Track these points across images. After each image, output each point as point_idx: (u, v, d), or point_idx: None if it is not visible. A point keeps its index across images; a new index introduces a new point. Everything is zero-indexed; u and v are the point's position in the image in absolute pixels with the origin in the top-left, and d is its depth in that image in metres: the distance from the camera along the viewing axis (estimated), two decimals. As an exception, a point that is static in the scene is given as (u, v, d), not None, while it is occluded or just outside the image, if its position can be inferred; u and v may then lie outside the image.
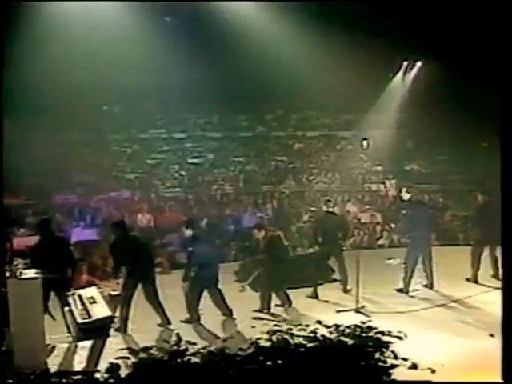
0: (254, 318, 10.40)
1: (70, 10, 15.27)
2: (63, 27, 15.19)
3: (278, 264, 10.92)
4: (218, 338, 9.35)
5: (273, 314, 10.81)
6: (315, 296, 11.87)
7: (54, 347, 8.59)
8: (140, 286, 10.14)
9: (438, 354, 7.75)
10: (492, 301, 10.89)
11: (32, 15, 14.56)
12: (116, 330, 9.36)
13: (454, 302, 11.19)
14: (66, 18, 15.17)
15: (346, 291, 12.08)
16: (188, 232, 10.70)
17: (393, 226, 17.66)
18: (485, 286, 12.30)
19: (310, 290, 11.99)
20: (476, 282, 12.72)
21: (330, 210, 12.62)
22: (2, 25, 7.50)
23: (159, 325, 10.05)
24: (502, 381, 4.79)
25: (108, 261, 13.30)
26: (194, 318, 10.31)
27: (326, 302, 11.59)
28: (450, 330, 9.53)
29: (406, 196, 12.45)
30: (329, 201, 13.03)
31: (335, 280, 12.80)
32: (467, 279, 12.82)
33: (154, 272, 10.75)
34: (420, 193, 18.53)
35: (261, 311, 10.89)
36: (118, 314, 9.52)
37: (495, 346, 8.45)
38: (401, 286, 12.10)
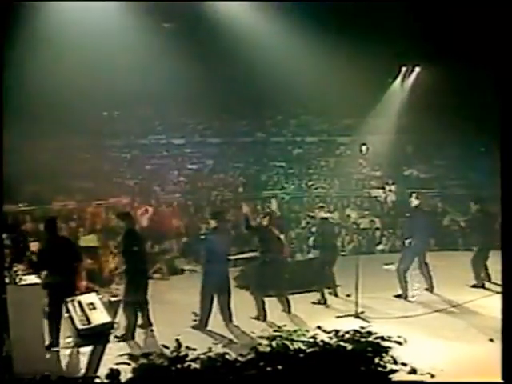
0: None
1: (70, 15, 15.31)
2: (63, 32, 15.23)
3: (271, 262, 10.80)
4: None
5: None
6: (324, 302, 11.86)
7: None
8: None
9: (437, 359, 7.77)
10: (491, 305, 10.93)
11: (32, 19, 14.60)
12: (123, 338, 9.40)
13: (453, 306, 11.18)
14: (65, 22, 15.22)
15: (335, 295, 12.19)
16: (213, 223, 10.57)
17: (391, 231, 17.66)
18: (484, 290, 12.34)
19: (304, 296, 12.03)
20: (483, 286, 12.77)
21: (325, 216, 12.52)
22: (1, 26, 7.51)
23: (140, 326, 9.99)
24: (502, 381, 4.80)
25: (107, 266, 13.33)
26: (202, 324, 10.27)
27: (326, 307, 11.59)
28: (449, 335, 9.53)
29: (414, 202, 12.40)
30: (322, 207, 12.94)
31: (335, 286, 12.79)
32: (473, 285, 12.87)
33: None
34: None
35: (257, 318, 10.73)
36: (120, 321, 9.43)
37: (495, 350, 8.50)
38: (399, 292, 12.11)
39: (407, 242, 12.29)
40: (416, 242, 12.08)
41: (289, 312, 10.97)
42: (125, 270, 10.05)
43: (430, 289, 12.33)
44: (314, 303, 11.77)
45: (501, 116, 5.18)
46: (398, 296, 12.06)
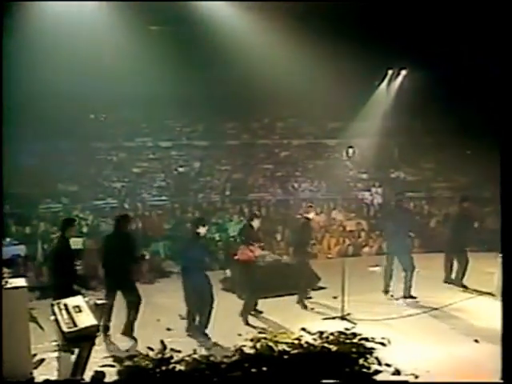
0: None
1: (56, 18, 15.29)
2: (49, 35, 15.20)
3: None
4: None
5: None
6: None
7: (42, 360, 8.62)
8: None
9: (422, 361, 7.82)
10: (474, 307, 11.05)
11: (18, 21, 14.55)
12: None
13: (437, 309, 11.23)
14: (51, 25, 15.19)
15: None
16: (202, 230, 10.47)
17: (377, 233, 17.67)
18: (468, 292, 12.43)
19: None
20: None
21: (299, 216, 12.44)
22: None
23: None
24: (502, 381, 4.84)
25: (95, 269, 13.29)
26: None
27: (312, 309, 11.62)
28: (434, 336, 9.59)
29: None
30: (311, 206, 12.82)
31: (320, 288, 12.84)
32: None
33: None
34: (405, 200, 18.66)
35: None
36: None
37: (480, 351, 8.59)
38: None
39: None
40: (393, 242, 12.14)
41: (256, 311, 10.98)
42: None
43: (405, 294, 12.29)
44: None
45: (500, 116, 5.20)
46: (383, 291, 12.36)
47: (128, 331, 9.96)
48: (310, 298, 12.05)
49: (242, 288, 11.40)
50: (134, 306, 10.01)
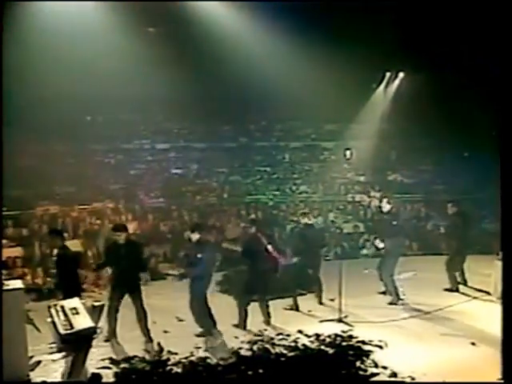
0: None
1: (53, 18, 15.26)
2: (46, 35, 15.18)
3: (256, 270, 10.60)
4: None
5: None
6: (296, 308, 11.80)
7: (39, 362, 8.59)
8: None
9: (419, 363, 7.81)
10: (471, 310, 11.04)
11: (14, 21, 14.51)
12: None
13: (434, 311, 11.22)
14: (48, 25, 15.17)
15: (320, 303, 11.93)
16: (195, 236, 10.34)
17: (375, 236, 17.60)
18: (464, 295, 12.43)
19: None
20: (457, 290, 12.86)
21: (309, 222, 12.39)
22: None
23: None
24: (502, 380, 4.85)
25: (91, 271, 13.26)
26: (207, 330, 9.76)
27: (309, 311, 11.59)
28: (430, 339, 9.57)
29: (386, 207, 12.30)
30: (305, 213, 12.80)
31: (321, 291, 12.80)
32: (447, 289, 12.94)
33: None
34: (403, 203, 18.67)
35: (238, 326, 10.16)
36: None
37: (477, 354, 8.58)
38: (389, 299, 12.07)
39: (381, 245, 12.23)
40: (394, 246, 12.06)
41: (268, 323, 10.64)
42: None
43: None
44: (285, 309, 11.58)
45: (500, 117, 5.20)
46: (391, 303, 11.93)
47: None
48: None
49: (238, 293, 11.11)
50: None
